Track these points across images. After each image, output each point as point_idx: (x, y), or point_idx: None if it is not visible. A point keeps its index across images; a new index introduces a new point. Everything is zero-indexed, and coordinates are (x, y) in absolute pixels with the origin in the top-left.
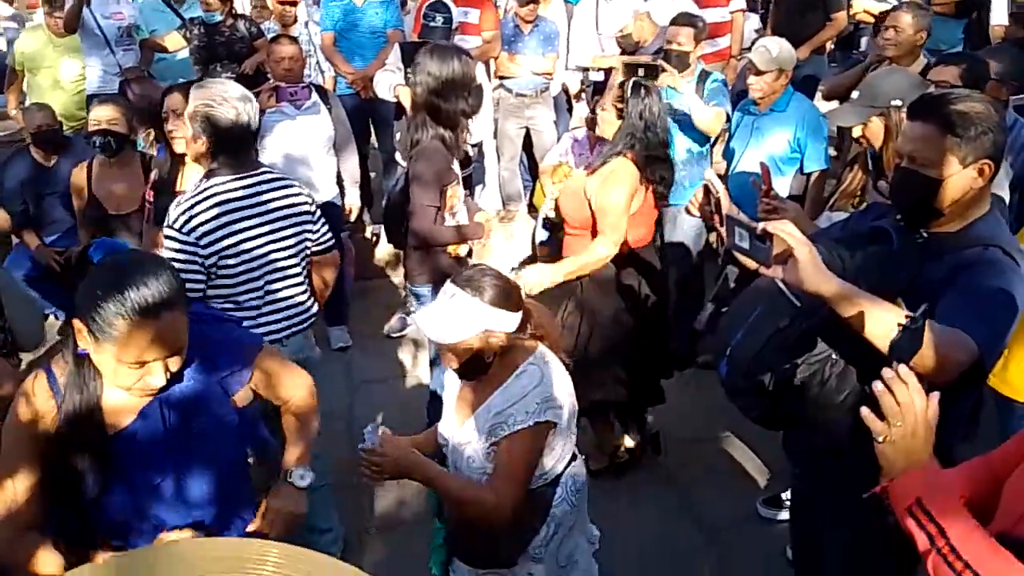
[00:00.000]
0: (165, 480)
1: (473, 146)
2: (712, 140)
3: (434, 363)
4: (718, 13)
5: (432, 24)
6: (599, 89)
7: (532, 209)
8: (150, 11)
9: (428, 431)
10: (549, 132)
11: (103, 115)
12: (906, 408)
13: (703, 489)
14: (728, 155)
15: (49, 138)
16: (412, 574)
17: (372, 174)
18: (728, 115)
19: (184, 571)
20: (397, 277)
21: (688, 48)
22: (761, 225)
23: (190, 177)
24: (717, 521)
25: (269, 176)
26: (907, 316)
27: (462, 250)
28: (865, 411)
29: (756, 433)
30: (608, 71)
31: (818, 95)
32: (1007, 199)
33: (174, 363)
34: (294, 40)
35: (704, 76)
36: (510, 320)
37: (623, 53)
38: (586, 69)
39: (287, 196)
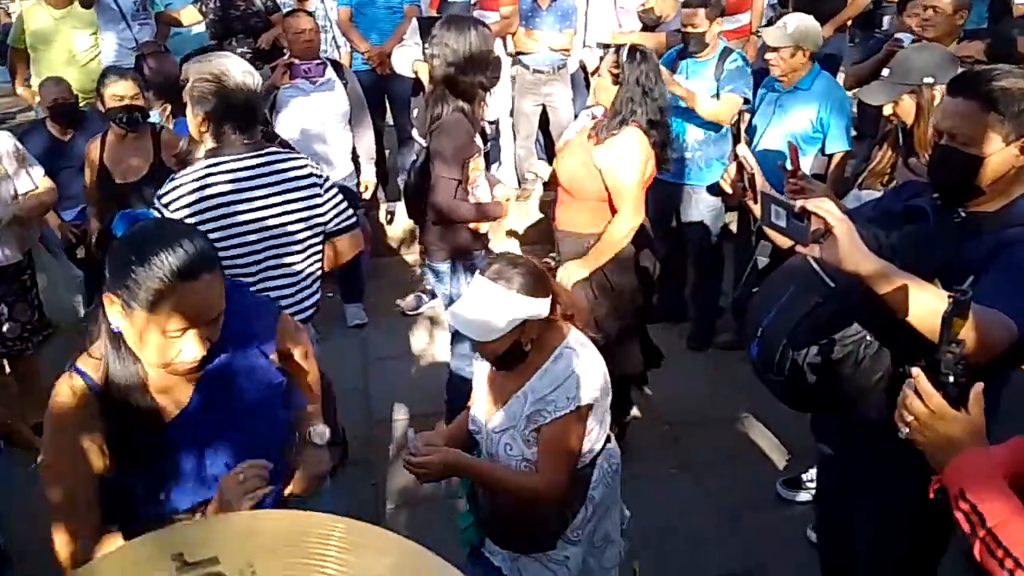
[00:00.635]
0: (217, 459)
1: (490, 123)
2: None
3: (454, 340)
4: None
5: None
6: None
7: (548, 187)
8: None
9: (459, 417)
10: (566, 109)
11: (126, 91)
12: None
13: (721, 470)
14: (750, 132)
15: (65, 112)
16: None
17: (387, 151)
18: (747, 98)
19: (251, 544)
20: (412, 255)
21: (703, 28)
22: (799, 202)
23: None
24: (736, 503)
25: (275, 157)
26: (956, 290)
27: (482, 227)
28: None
29: (774, 414)
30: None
31: (840, 77)
32: None
33: (213, 332)
34: (310, 14)
35: (726, 54)
36: (543, 305)
37: (644, 27)
38: (606, 46)
39: (293, 178)
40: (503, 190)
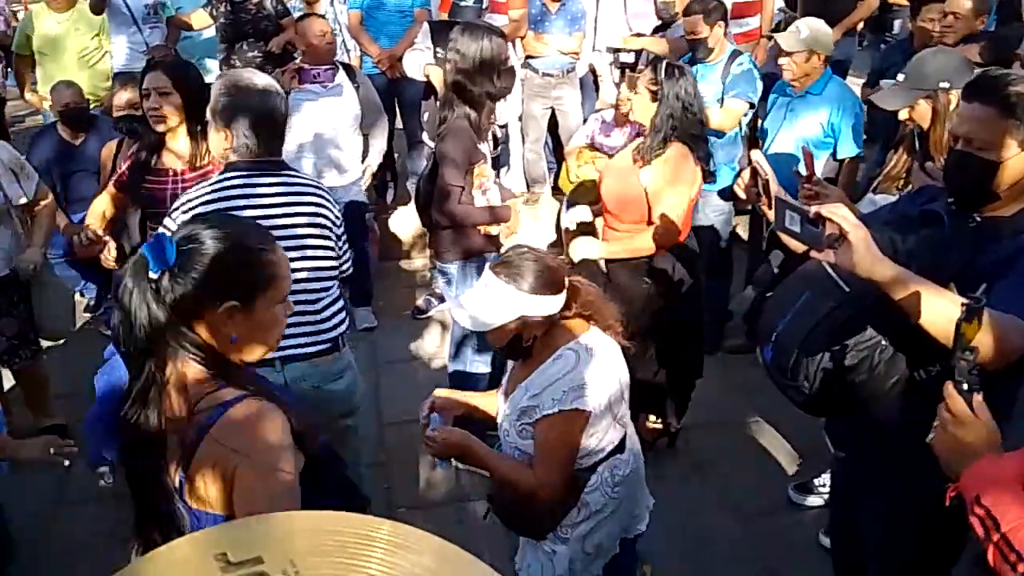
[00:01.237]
0: None
1: (500, 127)
2: (750, 121)
3: (461, 344)
4: None
5: (463, 3)
6: (631, 67)
7: (557, 192)
8: None
9: (490, 394)
10: (575, 113)
11: (133, 99)
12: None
13: (733, 475)
14: (761, 135)
15: (76, 116)
16: None
17: (396, 155)
18: (752, 103)
19: (294, 543)
20: (420, 258)
21: (705, 34)
22: (814, 208)
23: (167, 159)
24: (748, 508)
25: (292, 180)
26: (970, 297)
27: (493, 229)
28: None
29: (785, 418)
30: (638, 52)
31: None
32: None
33: None
34: (322, 18)
35: (734, 57)
36: (549, 304)
37: (662, 22)
38: (616, 50)
39: (307, 204)
40: (513, 203)
